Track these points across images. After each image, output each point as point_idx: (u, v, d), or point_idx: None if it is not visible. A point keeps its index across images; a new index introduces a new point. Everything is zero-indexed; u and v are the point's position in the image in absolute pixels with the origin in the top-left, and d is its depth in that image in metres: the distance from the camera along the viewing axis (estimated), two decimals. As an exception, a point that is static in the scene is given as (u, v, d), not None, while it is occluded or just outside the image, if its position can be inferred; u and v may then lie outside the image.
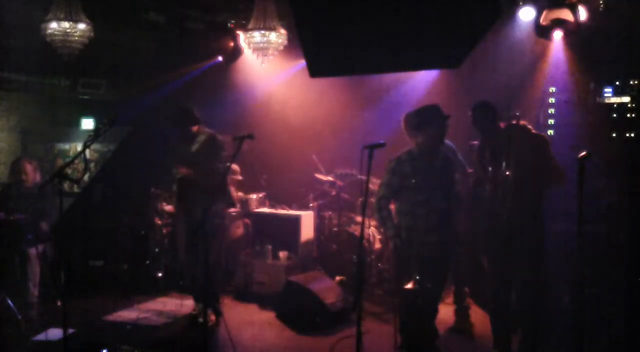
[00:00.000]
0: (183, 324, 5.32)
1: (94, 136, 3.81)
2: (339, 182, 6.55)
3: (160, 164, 5.60)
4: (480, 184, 4.32)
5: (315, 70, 3.11)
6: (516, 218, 4.02)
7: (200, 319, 5.24)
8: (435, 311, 4.29)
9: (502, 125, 4.30)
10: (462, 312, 5.22)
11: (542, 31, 5.61)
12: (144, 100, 7.40)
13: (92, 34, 5.63)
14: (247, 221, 6.89)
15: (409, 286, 3.99)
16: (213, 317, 5.20)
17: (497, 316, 4.32)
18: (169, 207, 6.66)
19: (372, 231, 6.24)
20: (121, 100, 7.41)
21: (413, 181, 4.12)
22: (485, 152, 4.27)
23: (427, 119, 4.19)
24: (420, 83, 6.79)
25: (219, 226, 5.52)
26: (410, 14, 2.40)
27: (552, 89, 5.65)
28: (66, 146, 7.97)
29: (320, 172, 6.68)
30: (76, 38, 5.53)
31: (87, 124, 7.80)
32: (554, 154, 4.20)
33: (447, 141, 5.44)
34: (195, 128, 5.32)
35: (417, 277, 3.99)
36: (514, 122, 4.18)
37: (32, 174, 5.52)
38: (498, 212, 4.10)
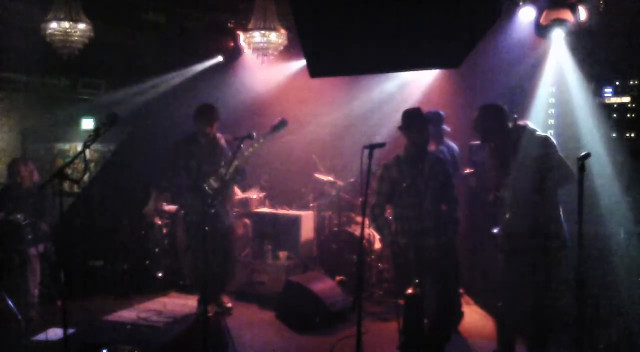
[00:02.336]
0: (184, 324, 5.30)
1: (94, 136, 3.80)
2: (339, 182, 6.55)
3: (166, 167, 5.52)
4: (488, 189, 4.28)
5: (315, 70, 3.11)
6: (531, 222, 3.97)
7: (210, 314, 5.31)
8: (452, 315, 4.25)
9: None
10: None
11: (542, 31, 5.61)
12: (144, 101, 7.40)
13: (92, 34, 5.62)
14: (247, 220, 6.89)
15: (410, 291, 3.98)
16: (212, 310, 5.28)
17: (504, 318, 4.27)
18: (169, 207, 6.66)
19: (372, 231, 6.24)
20: (121, 101, 7.40)
21: (403, 185, 4.11)
22: (492, 157, 4.23)
23: (408, 122, 4.18)
24: (421, 83, 6.78)
25: (232, 224, 5.74)
26: (410, 14, 2.40)
27: (552, 89, 5.65)
28: (66, 146, 7.97)
29: (320, 172, 6.68)
30: (76, 38, 5.53)
31: (87, 124, 7.80)
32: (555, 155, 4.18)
33: (450, 142, 5.45)
34: (214, 130, 5.39)
35: (417, 281, 3.98)
36: (517, 123, 4.14)
37: (28, 174, 5.49)
38: (511, 217, 4.05)
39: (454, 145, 5.53)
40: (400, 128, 4.21)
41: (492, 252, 4.36)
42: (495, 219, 4.29)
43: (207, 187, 5.20)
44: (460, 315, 5.26)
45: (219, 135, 5.44)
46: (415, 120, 4.17)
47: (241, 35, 6.73)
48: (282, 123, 5.28)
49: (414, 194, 4.10)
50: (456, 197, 4.35)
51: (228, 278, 5.76)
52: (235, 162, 4.95)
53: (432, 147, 5.22)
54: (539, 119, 5.69)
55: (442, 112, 5.51)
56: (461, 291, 5.52)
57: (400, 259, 4.19)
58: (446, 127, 5.50)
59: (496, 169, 4.18)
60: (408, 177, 4.11)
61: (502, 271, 4.19)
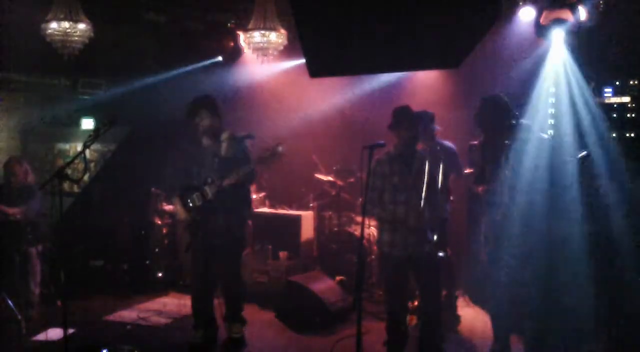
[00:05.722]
0: (183, 325, 5.31)
1: (94, 136, 3.81)
2: (339, 182, 6.55)
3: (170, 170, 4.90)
4: (480, 183, 4.31)
5: (315, 70, 3.12)
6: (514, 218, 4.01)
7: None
8: (438, 315, 4.29)
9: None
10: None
11: (542, 31, 5.61)
12: (144, 100, 7.39)
13: (92, 34, 5.63)
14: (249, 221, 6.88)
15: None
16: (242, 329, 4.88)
17: (496, 316, 4.32)
18: (169, 207, 6.66)
19: (372, 231, 6.24)
20: (121, 100, 7.41)
21: (392, 181, 4.13)
22: (488, 151, 4.25)
23: (397, 120, 4.19)
24: (420, 83, 6.78)
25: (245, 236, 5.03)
26: (410, 15, 2.40)
27: (552, 89, 5.64)
28: (66, 146, 7.97)
29: (320, 172, 6.68)
30: (76, 38, 5.54)
31: (87, 124, 7.79)
32: (555, 154, 4.20)
33: (447, 142, 5.43)
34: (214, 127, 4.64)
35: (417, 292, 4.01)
36: (519, 122, 4.15)
37: (21, 173, 5.47)
38: (498, 212, 4.09)
39: (449, 144, 5.44)
40: (390, 126, 4.22)
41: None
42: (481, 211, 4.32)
43: (202, 196, 4.52)
44: (457, 318, 5.26)
45: (225, 134, 4.65)
46: (404, 118, 4.18)
47: (241, 35, 6.72)
48: (275, 154, 4.44)
49: (401, 191, 4.12)
50: (446, 195, 4.35)
51: (239, 302, 4.84)
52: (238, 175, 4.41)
53: (419, 147, 5.16)
54: (538, 119, 5.69)
55: (430, 112, 5.43)
56: (457, 293, 5.49)
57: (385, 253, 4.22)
58: (437, 127, 5.45)
59: (488, 163, 4.19)
60: (397, 174, 4.14)
61: (486, 266, 4.24)
